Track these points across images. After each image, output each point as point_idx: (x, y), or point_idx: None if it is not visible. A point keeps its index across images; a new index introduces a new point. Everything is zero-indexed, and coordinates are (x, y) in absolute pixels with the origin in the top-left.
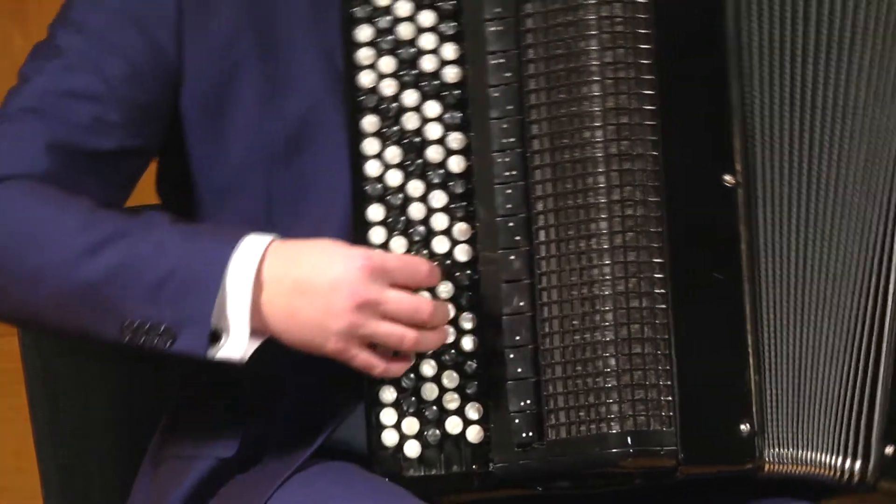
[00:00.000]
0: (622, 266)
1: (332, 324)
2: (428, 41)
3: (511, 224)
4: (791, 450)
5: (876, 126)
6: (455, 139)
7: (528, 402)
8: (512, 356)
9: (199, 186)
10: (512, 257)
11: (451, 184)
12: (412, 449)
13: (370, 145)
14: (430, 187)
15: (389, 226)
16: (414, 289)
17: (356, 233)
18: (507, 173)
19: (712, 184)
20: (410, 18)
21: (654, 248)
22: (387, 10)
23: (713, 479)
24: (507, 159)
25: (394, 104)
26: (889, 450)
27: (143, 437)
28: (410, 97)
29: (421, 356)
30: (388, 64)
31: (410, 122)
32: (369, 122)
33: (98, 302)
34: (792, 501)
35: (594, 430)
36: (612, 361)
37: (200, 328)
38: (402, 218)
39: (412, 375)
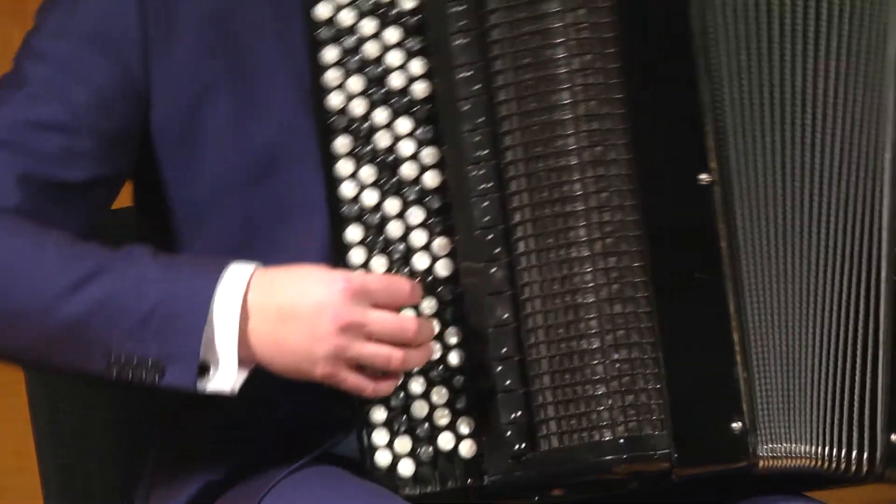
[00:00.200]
0: (603, 272)
1: (318, 348)
2: (395, 58)
3: (490, 236)
4: (786, 444)
5: (850, 113)
6: (428, 154)
7: (519, 413)
8: (500, 369)
9: (174, 209)
10: (493, 270)
11: (427, 199)
12: (406, 468)
13: (344, 166)
14: (406, 204)
15: (369, 245)
16: (397, 308)
17: (336, 254)
18: (483, 186)
19: (688, 183)
20: (376, 36)
21: (634, 252)
22: (351, 30)
23: (709, 479)
24: (481, 172)
25: (365, 123)
26: (894, 437)
27: (142, 437)
28: (381, 115)
29: (409, 374)
30: (356, 83)
31: (383, 140)
32: (341, 144)
33: (84, 338)
34: (790, 498)
35: (586, 437)
36: (600, 368)
37: (188, 362)
38: (381, 237)
39: (401, 394)
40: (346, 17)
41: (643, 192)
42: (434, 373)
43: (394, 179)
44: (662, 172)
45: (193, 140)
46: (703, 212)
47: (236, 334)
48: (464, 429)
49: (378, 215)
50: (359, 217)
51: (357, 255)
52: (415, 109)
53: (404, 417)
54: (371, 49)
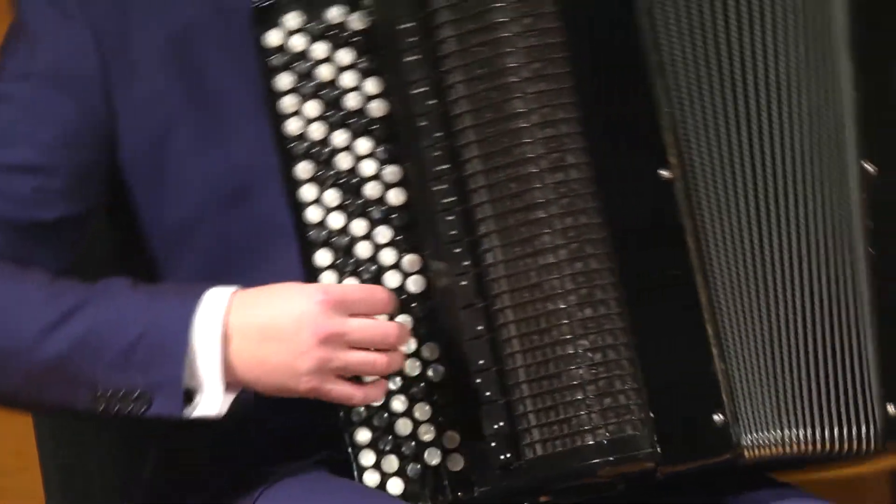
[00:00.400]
0: (571, 277)
1: (302, 363)
2: (349, 79)
3: (458, 250)
4: (774, 432)
5: (812, 99)
6: (390, 173)
7: (502, 423)
8: (479, 380)
9: (149, 236)
10: (464, 283)
11: (393, 217)
12: (395, 487)
13: (307, 192)
14: (373, 224)
15: (339, 268)
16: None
17: (308, 279)
18: (446, 200)
19: (649, 181)
20: (328, 59)
21: (600, 255)
22: (304, 55)
23: (698, 474)
24: (444, 186)
25: (325, 147)
26: (891, 409)
27: (143, 438)
28: (340, 137)
29: (390, 392)
30: (312, 108)
31: (344, 162)
32: (303, 169)
33: (68, 375)
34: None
35: (569, 443)
36: (577, 373)
37: (174, 390)
38: (351, 258)
39: (385, 414)
40: (298, 43)
41: (605, 193)
42: (415, 389)
43: (358, 200)
44: (622, 172)
45: (162, 170)
46: (666, 208)
47: (219, 359)
48: (449, 443)
49: (346, 237)
50: (327, 240)
51: (328, 279)
52: (373, 129)
53: (389, 437)
54: (325, 72)
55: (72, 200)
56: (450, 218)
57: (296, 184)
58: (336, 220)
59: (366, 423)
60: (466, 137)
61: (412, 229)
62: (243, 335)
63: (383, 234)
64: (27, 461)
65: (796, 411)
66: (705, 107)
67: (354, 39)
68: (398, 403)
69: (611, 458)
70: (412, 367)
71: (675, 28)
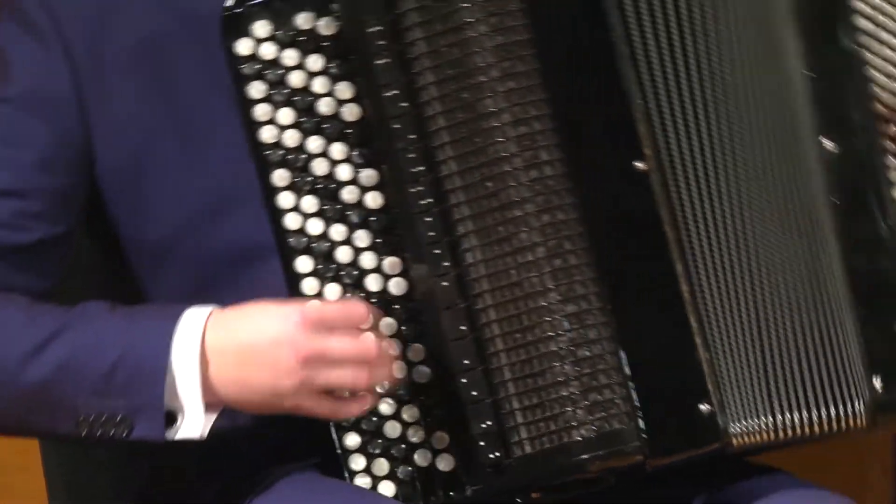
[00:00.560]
0: (551, 274)
1: (283, 384)
2: (321, 85)
3: (437, 251)
4: (763, 418)
5: (765, 81)
6: (366, 176)
7: (489, 423)
8: (464, 380)
9: (130, 254)
10: (445, 283)
11: (371, 221)
12: (387, 489)
13: (285, 199)
14: (351, 229)
15: (320, 274)
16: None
17: (289, 287)
18: (424, 202)
19: (624, 173)
20: (299, 66)
21: (579, 250)
22: (274, 63)
23: (687, 464)
24: (420, 188)
25: (300, 154)
26: (877, 382)
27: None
28: (314, 143)
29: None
30: (286, 116)
31: (319, 168)
32: (279, 177)
33: (50, 401)
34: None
35: (556, 440)
36: (561, 370)
37: (155, 414)
38: (331, 264)
39: (373, 417)
40: (268, 51)
41: (581, 188)
42: (401, 391)
43: (336, 206)
44: (598, 166)
45: (141, 186)
46: (642, 199)
47: (198, 380)
48: (438, 443)
49: (325, 243)
50: (306, 247)
51: (309, 286)
52: (347, 134)
53: (378, 440)
54: (296, 79)
55: (51, 222)
56: (428, 219)
57: (273, 191)
58: (315, 227)
59: (354, 427)
60: (440, 139)
61: (391, 232)
62: (221, 356)
63: (362, 238)
64: (29, 459)
65: (784, 396)
66: (672, 96)
67: (324, 45)
68: (386, 406)
69: (599, 453)
70: (398, 370)
71: (647, 18)
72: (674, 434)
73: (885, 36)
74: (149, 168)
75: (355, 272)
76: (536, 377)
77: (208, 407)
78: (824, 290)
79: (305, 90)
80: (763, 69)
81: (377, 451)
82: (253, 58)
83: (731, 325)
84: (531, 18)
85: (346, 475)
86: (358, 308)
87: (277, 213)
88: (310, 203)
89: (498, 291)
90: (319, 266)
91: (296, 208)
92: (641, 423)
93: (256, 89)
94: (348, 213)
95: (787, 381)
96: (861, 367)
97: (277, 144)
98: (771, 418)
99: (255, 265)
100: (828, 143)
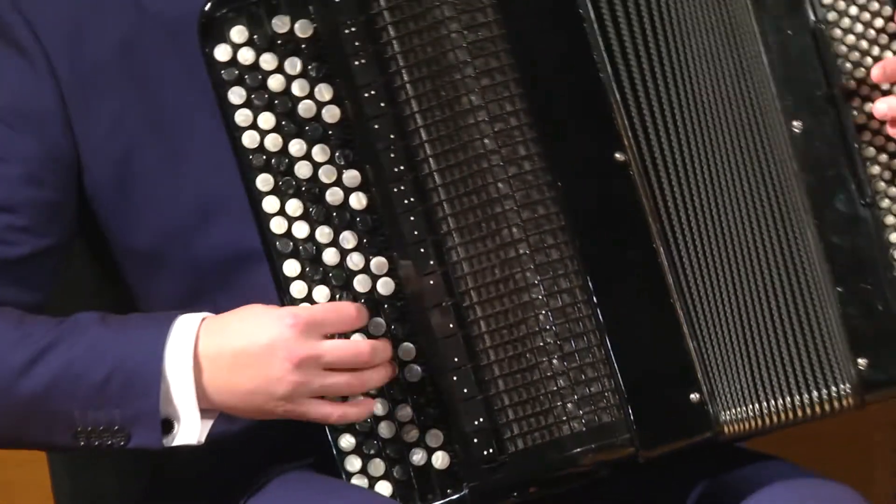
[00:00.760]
0: (535, 269)
1: (277, 389)
2: (300, 88)
3: (422, 249)
4: (752, 405)
5: (731, 66)
6: (349, 178)
7: (481, 419)
8: (455, 378)
9: (122, 261)
10: (431, 282)
11: (357, 221)
12: (384, 489)
13: (269, 203)
14: (337, 230)
15: (308, 277)
16: (348, 333)
17: (279, 291)
18: (406, 201)
19: (605, 165)
20: (278, 69)
21: (562, 244)
22: (253, 67)
23: (680, 453)
24: (402, 187)
25: (282, 158)
26: (862, 362)
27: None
28: (296, 147)
29: (370, 396)
30: (266, 120)
31: (302, 171)
32: (263, 181)
33: (46, 413)
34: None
35: (548, 435)
36: (549, 365)
37: (151, 422)
38: (319, 266)
39: (368, 419)
40: (246, 56)
41: (562, 182)
42: (394, 390)
43: (321, 208)
44: (577, 159)
45: (128, 195)
46: (623, 191)
47: (193, 387)
48: (433, 442)
49: (312, 246)
50: (293, 251)
51: (298, 289)
52: (329, 135)
53: (373, 440)
54: (275, 83)
55: (40, 235)
56: (412, 218)
57: (257, 196)
58: (300, 230)
59: (349, 428)
60: (419, 137)
61: (377, 232)
62: (215, 363)
63: (348, 239)
64: (36, 454)
65: (770, 382)
66: (648, 85)
67: (301, 47)
68: (379, 406)
69: (591, 447)
70: (393, 367)
71: (619, 7)
72: (665, 424)
73: (854, 11)
74: (134, 175)
75: (343, 274)
76: (525, 372)
77: (204, 413)
78: (801, 272)
79: (285, 93)
80: (727, 52)
81: (372, 452)
82: (232, 63)
83: (717, 312)
84: (503, 14)
85: (343, 476)
86: (349, 309)
87: (263, 218)
88: (294, 206)
89: (483, 288)
90: (307, 269)
91: (281, 212)
92: (632, 415)
93: (236, 95)
94: (333, 214)
95: (772, 367)
96: (844, 347)
97: (260, 149)
98: (759, 405)
99: (246, 269)
100: (795, 124)
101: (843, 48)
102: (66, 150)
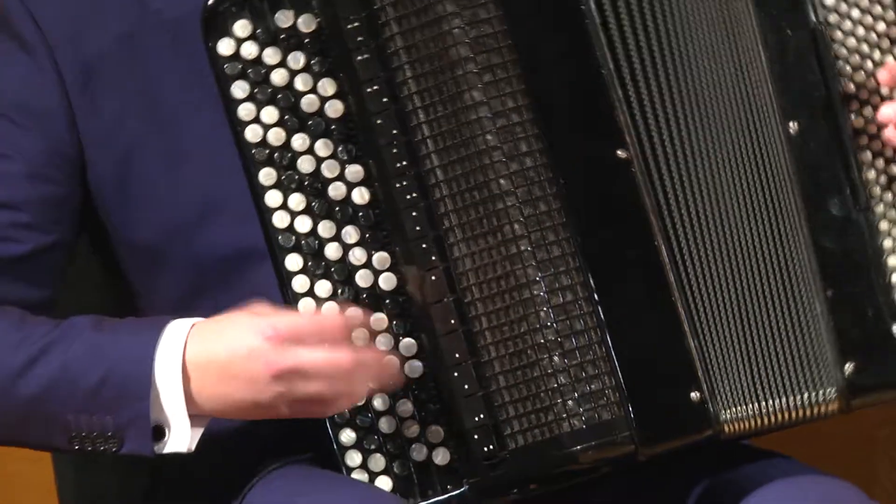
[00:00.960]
0: (536, 266)
1: (262, 397)
2: (303, 82)
3: (424, 245)
4: (751, 404)
5: (731, 64)
6: (352, 173)
7: (482, 416)
8: (456, 374)
9: (124, 259)
10: (433, 278)
11: (359, 216)
12: (384, 485)
13: (272, 198)
14: (339, 225)
15: (310, 271)
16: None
17: (280, 286)
18: (409, 196)
19: (606, 162)
20: (281, 64)
21: (564, 241)
22: (256, 62)
23: (680, 451)
24: (405, 183)
25: (285, 152)
26: (849, 367)
27: None
28: (299, 141)
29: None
30: (269, 114)
31: (305, 165)
32: (266, 175)
33: (42, 415)
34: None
35: (548, 432)
36: (550, 362)
37: (142, 429)
38: (321, 261)
39: (368, 413)
40: (249, 50)
41: (564, 178)
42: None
43: (323, 202)
44: (579, 156)
45: (130, 192)
46: (625, 187)
47: (182, 395)
48: (433, 438)
49: (314, 240)
50: (296, 246)
51: (300, 284)
52: (332, 130)
53: (373, 435)
54: (278, 77)
55: (43, 232)
56: (414, 214)
57: (260, 190)
58: (303, 224)
59: (349, 423)
60: (422, 133)
61: (379, 227)
62: (202, 371)
63: (351, 234)
64: (40, 452)
65: (767, 381)
66: (650, 82)
67: (304, 42)
68: (379, 401)
69: (591, 444)
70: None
71: (622, 6)
72: (665, 423)
73: (856, 14)
74: (134, 173)
75: (345, 269)
76: (526, 369)
77: (194, 420)
78: (793, 274)
79: (288, 88)
80: (727, 49)
81: (372, 447)
82: (235, 57)
83: (717, 311)
84: (505, 10)
85: (343, 471)
86: (331, 321)
87: (265, 212)
88: (297, 201)
89: (485, 285)
90: (309, 263)
91: (283, 206)
92: (632, 413)
93: (240, 88)
94: (336, 209)
95: (770, 367)
96: (831, 350)
97: (263, 143)
98: (758, 404)
99: (247, 267)
100: (791, 125)
101: (844, 51)
102: (70, 145)
